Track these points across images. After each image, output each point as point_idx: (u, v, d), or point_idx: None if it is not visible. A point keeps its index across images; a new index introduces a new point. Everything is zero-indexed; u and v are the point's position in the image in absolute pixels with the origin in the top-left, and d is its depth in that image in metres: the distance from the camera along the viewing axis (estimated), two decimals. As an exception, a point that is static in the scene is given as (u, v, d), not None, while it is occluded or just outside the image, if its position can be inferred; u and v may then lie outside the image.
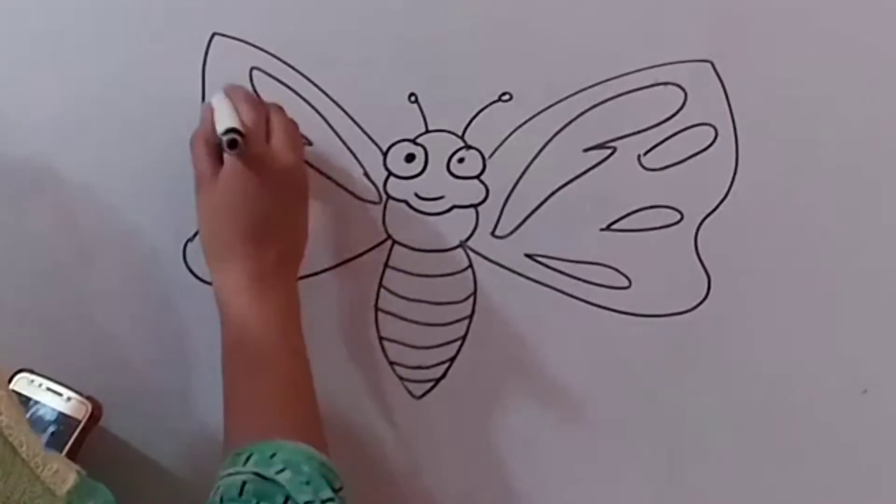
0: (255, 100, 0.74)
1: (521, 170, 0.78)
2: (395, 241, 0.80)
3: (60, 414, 0.72)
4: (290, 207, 0.74)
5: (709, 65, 0.76)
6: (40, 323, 0.79)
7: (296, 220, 0.75)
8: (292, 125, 0.75)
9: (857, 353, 0.80)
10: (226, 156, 0.71)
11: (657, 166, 0.78)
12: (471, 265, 0.80)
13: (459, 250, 0.80)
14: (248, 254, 0.71)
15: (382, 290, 0.80)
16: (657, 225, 0.79)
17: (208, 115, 0.72)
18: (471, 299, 0.80)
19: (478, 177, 0.79)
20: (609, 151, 0.78)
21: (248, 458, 0.63)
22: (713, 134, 0.77)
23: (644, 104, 0.77)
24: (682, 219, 0.79)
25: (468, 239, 0.80)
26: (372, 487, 0.83)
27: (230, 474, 0.63)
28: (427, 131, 0.78)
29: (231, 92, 0.73)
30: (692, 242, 0.79)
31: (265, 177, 0.71)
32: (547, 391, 0.81)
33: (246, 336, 0.70)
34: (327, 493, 0.63)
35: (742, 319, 0.80)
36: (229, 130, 0.68)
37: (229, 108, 0.71)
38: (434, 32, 0.77)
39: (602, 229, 0.79)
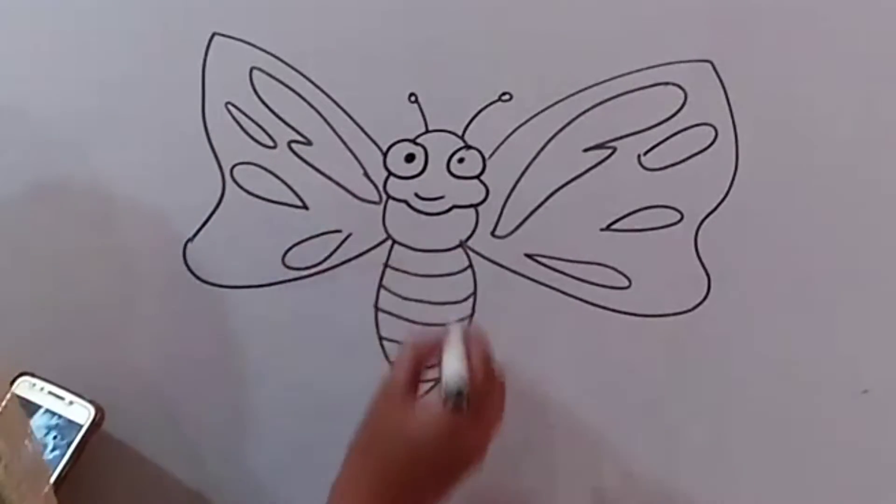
0: (489, 369, 0.72)
1: (521, 170, 0.78)
2: (395, 241, 0.80)
3: (62, 418, 0.72)
4: (450, 472, 0.70)
5: (709, 65, 0.76)
6: (40, 324, 0.79)
7: (444, 485, 0.71)
8: (502, 407, 0.73)
9: (857, 353, 0.80)
10: (435, 396, 0.70)
11: (657, 166, 0.78)
12: (471, 265, 0.80)
13: (459, 250, 0.80)
14: (382, 483, 0.69)
15: (382, 290, 0.80)
16: (657, 225, 0.79)
17: (437, 343, 0.72)
18: (471, 299, 0.80)
19: (478, 177, 0.79)
20: (609, 151, 0.78)
21: None
22: (713, 134, 0.77)
23: (644, 104, 0.77)
24: (682, 219, 0.79)
25: (468, 239, 0.80)
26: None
27: None
28: (427, 131, 0.78)
29: (473, 343, 0.72)
30: (692, 242, 0.79)
31: (456, 442, 0.69)
32: (547, 391, 0.81)
33: None
34: None
35: (742, 319, 0.79)
36: (461, 393, 0.68)
37: (464, 364, 0.70)
38: (434, 32, 0.77)
39: (602, 229, 0.79)
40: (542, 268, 0.80)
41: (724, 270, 0.79)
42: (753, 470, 0.82)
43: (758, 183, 0.78)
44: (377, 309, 0.81)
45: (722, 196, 0.78)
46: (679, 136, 0.77)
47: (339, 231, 0.80)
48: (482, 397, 0.70)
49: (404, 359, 0.72)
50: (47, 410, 0.72)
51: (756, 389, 0.80)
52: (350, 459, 0.71)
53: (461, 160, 0.78)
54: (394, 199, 0.79)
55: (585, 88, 0.77)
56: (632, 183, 0.78)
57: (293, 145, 0.78)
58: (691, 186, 0.78)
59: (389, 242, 0.80)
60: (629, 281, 0.80)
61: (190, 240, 0.79)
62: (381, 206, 0.79)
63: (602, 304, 0.80)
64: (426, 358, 0.72)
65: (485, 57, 0.77)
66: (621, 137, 0.78)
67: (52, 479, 0.68)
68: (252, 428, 0.82)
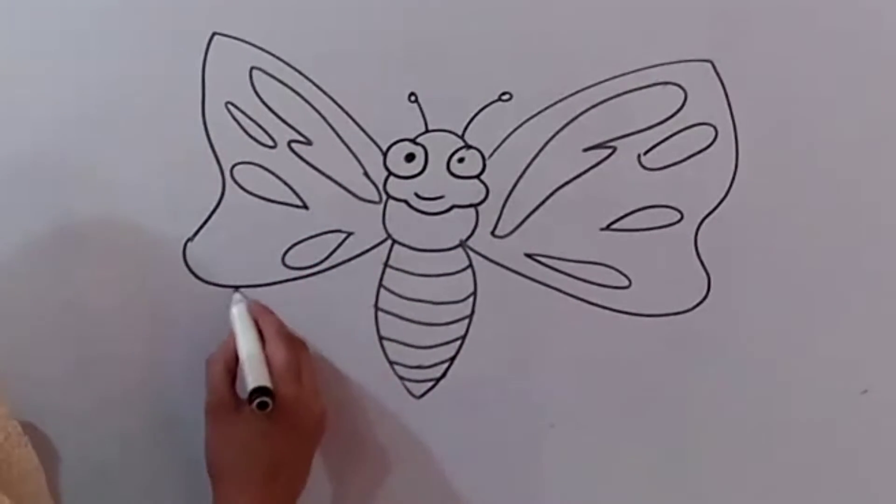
0: (289, 337, 0.75)
1: (521, 170, 0.78)
2: (395, 241, 0.80)
3: None
4: (308, 449, 0.75)
5: (709, 65, 0.76)
6: (38, 324, 0.79)
7: (308, 459, 0.76)
8: (314, 368, 0.76)
9: (857, 353, 0.80)
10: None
11: (657, 166, 0.78)
12: (471, 265, 0.80)
13: (459, 250, 0.80)
14: (260, 490, 0.72)
15: (382, 290, 0.80)
16: (657, 225, 0.79)
17: (231, 341, 0.75)
18: (471, 299, 0.80)
19: (478, 176, 0.79)
20: (609, 151, 0.78)
21: None
22: (713, 134, 0.77)
23: (644, 104, 0.77)
24: (682, 219, 0.79)
25: (468, 239, 0.80)
26: (372, 487, 0.83)
27: None
28: (427, 131, 0.78)
29: (262, 319, 0.76)
30: (692, 242, 0.79)
31: (292, 421, 0.72)
32: (547, 391, 0.81)
33: None
34: None
35: (742, 319, 0.80)
36: (260, 390, 0.70)
37: (259, 356, 0.73)
38: (434, 32, 0.76)
39: (602, 229, 0.79)
40: (542, 268, 0.80)
41: (724, 270, 0.79)
42: (753, 470, 0.82)
43: (758, 183, 0.78)
44: (377, 309, 0.81)
45: (722, 196, 0.78)
46: (679, 135, 0.77)
47: (339, 231, 0.80)
48: (290, 372, 0.73)
49: (215, 379, 0.75)
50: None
51: (756, 389, 0.80)
52: (214, 492, 0.73)
53: (461, 160, 0.78)
54: (394, 198, 0.79)
55: (585, 88, 0.77)
56: (632, 183, 0.78)
57: (293, 145, 0.78)
58: (691, 186, 0.78)
59: (389, 242, 0.80)
60: (629, 281, 0.80)
61: (190, 240, 0.79)
62: (381, 206, 0.79)
63: (602, 304, 0.80)
64: (230, 361, 0.75)
65: (485, 57, 0.77)
66: (621, 137, 0.78)
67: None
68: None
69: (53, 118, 0.77)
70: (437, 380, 0.82)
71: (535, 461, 0.83)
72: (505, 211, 0.79)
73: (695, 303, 0.80)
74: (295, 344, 0.76)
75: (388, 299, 0.81)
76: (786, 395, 0.80)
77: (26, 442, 0.59)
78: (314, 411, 0.74)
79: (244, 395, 0.72)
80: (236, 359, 0.74)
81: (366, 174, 0.79)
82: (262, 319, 0.77)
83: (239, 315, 0.77)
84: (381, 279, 0.80)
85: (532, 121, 0.77)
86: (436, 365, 0.81)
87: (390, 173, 0.79)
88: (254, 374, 0.71)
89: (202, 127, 0.77)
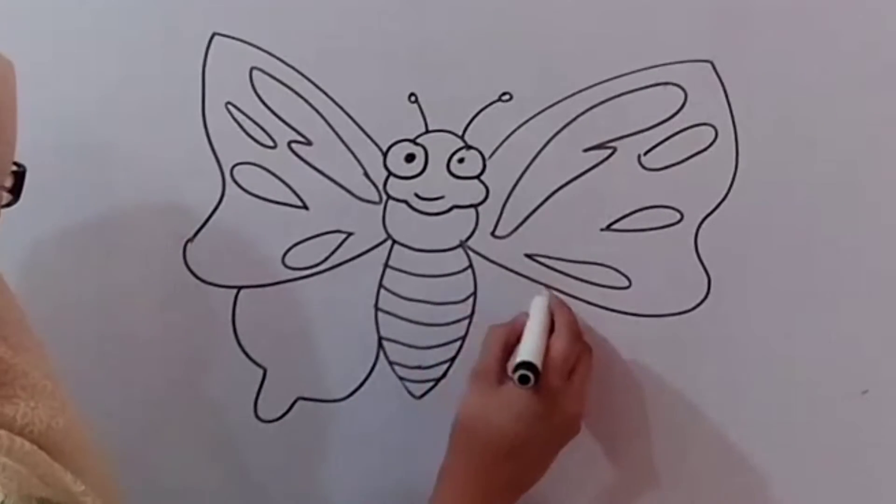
0: (576, 335, 0.75)
1: (521, 170, 0.78)
2: (395, 241, 0.80)
3: None
4: (549, 447, 0.75)
5: (709, 65, 0.76)
6: (38, 323, 0.78)
7: (546, 459, 0.75)
8: (590, 374, 0.76)
9: (857, 353, 0.79)
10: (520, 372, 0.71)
11: (657, 166, 0.78)
12: (471, 265, 0.80)
13: (459, 250, 0.80)
14: (488, 467, 0.72)
15: (382, 290, 0.80)
16: (657, 225, 0.79)
17: (520, 320, 0.75)
18: (471, 299, 0.80)
19: (478, 177, 0.79)
20: (609, 151, 0.78)
21: None
22: (713, 134, 0.77)
23: (644, 104, 0.77)
24: (682, 219, 0.79)
25: (468, 239, 0.80)
26: (371, 487, 0.83)
27: None
28: (427, 131, 0.78)
29: (557, 312, 0.76)
30: (692, 242, 0.79)
31: (548, 412, 0.72)
32: (547, 391, 0.81)
33: None
34: None
35: (742, 319, 0.79)
36: (527, 365, 0.70)
37: (540, 341, 0.73)
38: (434, 32, 0.77)
39: (602, 229, 0.79)
40: (542, 268, 0.80)
41: (724, 270, 0.79)
42: (753, 470, 0.82)
43: (758, 183, 0.77)
44: (377, 309, 0.81)
45: (722, 196, 0.78)
46: (679, 136, 0.77)
47: (339, 231, 0.80)
48: (563, 364, 0.73)
49: (490, 348, 0.75)
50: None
51: (756, 389, 0.80)
52: (450, 450, 0.74)
53: (461, 160, 0.78)
54: (394, 199, 0.79)
55: (585, 88, 0.77)
56: (632, 183, 0.78)
57: (293, 145, 0.78)
58: (691, 186, 0.78)
59: (389, 242, 0.80)
60: (629, 281, 0.80)
61: (190, 240, 0.79)
62: (381, 206, 0.79)
63: (602, 304, 0.80)
64: (510, 338, 0.75)
65: (485, 57, 0.77)
66: (621, 137, 0.78)
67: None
68: (251, 428, 0.82)
69: (53, 119, 0.77)
70: (437, 380, 0.82)
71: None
72: (505, 211, 0.79)
73: (695, 303, 0.79)
74: (579, 344, 0.76)
75: (388, 300, 0.81)
76: (786, 395, 0.80)
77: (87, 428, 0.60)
78: (571, 410, 0.74)
79: (511, 371, 0.71)
80: (518, 338, 0.74)
81: (366, 174, 0.79)
82: (557, 312, 0.77)
83: (538, 304, 0.77)
84: (382, 279, 0.80)
85: (532, 121, 0.77)
86: (436, 365, 0.81)
87: (390, 174, 0.79)
88: (527, 350, 0.72)
89: (202, 127, 0.78)
